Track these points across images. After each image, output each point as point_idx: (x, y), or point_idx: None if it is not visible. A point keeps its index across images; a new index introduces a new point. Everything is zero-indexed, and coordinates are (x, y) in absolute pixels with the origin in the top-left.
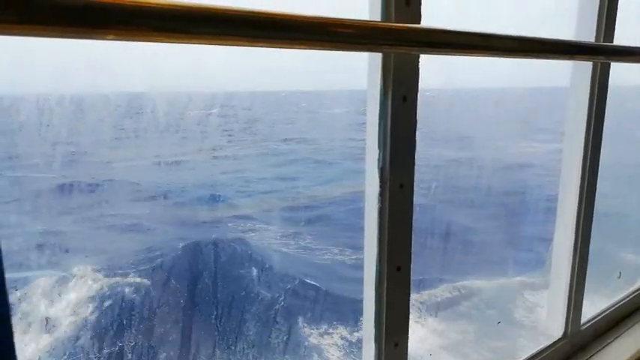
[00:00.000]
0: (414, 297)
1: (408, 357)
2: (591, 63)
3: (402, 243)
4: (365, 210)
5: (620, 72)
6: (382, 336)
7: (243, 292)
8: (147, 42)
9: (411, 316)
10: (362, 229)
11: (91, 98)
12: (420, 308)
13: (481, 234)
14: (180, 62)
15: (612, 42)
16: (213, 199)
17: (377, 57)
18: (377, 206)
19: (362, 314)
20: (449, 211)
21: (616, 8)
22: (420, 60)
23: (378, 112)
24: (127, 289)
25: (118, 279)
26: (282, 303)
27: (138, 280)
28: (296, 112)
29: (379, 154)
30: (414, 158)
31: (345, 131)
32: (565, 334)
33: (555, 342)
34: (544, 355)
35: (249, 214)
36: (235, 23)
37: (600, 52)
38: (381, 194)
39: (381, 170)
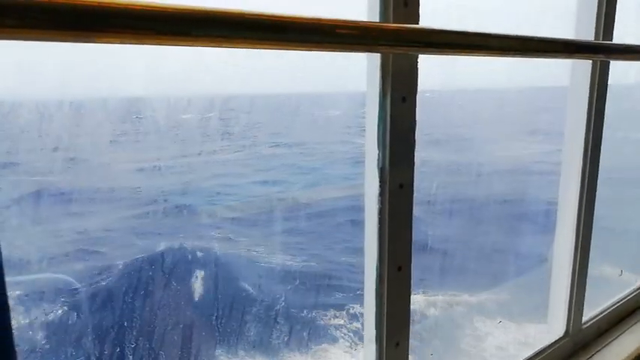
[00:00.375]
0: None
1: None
2: (590, 62)
3: (403, 243)
4: (365, 210)
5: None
6: (383, 336)
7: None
8: (147, 45)
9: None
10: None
11: (90, 102)
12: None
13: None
14: (179, 65)
15: (611, 40)
16: (181, 207)
17: (376, 58)
18: (377, 206)
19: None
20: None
21: (615, 6)
22: (418, 60)
23: (377, 112)
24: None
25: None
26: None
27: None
28: (293, 114)
29: (379, 155)
30: (413, 158)
31: (339, 134)
32: (567, 332)
33: (557, 340)
34: (546, 353)
35: (215, 223)
36: (234, 25)
37: (600, 51)
38: (381, 194)
39: (381, 170)
